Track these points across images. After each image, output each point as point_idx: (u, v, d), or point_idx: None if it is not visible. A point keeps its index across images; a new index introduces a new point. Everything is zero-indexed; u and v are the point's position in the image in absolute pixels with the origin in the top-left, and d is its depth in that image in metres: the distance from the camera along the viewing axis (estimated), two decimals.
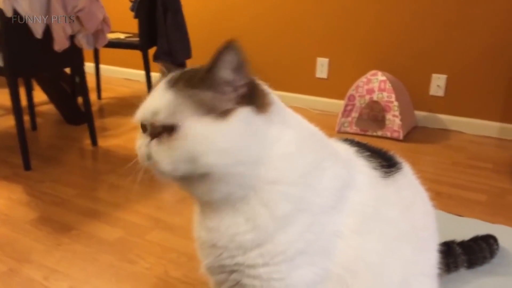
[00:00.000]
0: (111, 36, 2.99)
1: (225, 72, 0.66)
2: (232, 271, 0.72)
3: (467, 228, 1.04)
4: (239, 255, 0.70)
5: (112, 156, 2.62)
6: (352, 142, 0.84)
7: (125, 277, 1.53)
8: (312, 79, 3.52)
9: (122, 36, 3.48)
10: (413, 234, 0.77)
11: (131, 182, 2.24)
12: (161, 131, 0.67)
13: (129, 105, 3.65)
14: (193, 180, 0.68)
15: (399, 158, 0.83)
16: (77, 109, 3.17)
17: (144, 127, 0.70)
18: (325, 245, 0.70)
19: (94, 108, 2.90)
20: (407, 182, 0.81)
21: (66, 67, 2.98)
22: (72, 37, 2.43)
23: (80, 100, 2.97)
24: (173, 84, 0.69)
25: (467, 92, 3.01)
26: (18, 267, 1.57)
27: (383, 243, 0.73)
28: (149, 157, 0.68)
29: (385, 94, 2.83)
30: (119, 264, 1.60)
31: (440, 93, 3.08)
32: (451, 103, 3.07)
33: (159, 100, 0.68)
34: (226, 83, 0.67)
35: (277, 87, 0.78)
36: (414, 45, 3.09)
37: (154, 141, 0.67)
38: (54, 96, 3.22)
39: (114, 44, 3.24)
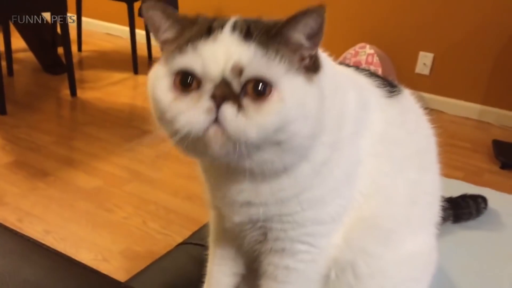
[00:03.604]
0: None
1: (299, 35, 0.58)
2: (264, 221, 0.68)
3: (454, 189, 1.06)
4: (276, 208, 0.65)
5: (91, 108, 2.55)
6: (347, 65, 0.79)
7: (101, 224, 1.51)
8: None
9: None
10: (417, 156, 0.76)
11: (110, 135, 2.20)
12: (243, 92, 0.54)
13: (110, 60, 3.56)
14: (253, 152, 0.56)
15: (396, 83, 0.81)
16: (56, 58, 3.07)
17: (217, 89, 0.54)
18: (349, 174, 0.69)
19: (74, 59, 2.80)
20: (409, 105, 0.78)
21: (46, 11, 2.86)
22: None
23: (60, 50, 2.88)
24: (248, 35, 0.57)
25: (452, 72, 3.02)
26: None
27: (392, 164, 0.72)
28: (218, 125, 0.53)
29: (372, 67, 2.82)
30: (96, 212, 1.57)
31: (426, 71, 3.09)
32: (435, 82, 3.08)
33: (241, 52, 0.55)
34: (296, 46, 0.58)
35: None
36: (403, 20, 3.07)
37: (232, 105, 0.54)
38: (33, 43, 3.10)
39: None
